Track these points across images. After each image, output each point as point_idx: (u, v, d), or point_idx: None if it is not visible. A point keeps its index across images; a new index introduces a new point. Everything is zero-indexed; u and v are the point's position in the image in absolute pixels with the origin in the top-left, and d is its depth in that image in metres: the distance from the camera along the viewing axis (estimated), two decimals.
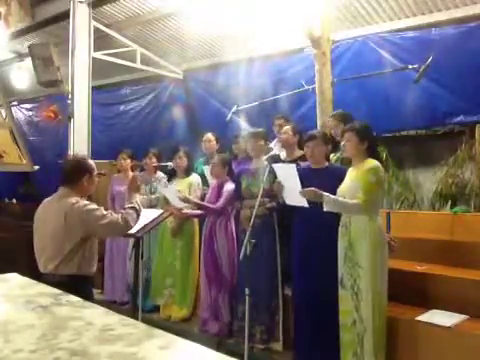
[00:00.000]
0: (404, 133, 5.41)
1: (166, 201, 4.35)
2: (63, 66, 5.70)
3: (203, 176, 4.47)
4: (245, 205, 3.73)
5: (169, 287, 4.40)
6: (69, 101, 5.72)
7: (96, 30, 5.96)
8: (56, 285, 1.70)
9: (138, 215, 2.70)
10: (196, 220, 4.44)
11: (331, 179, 3.12)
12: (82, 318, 1.30)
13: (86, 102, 5.77)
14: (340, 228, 3.03)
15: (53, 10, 6.25)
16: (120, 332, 1.17)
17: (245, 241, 2.98)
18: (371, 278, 2.83)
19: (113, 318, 1.29)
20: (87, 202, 2.56)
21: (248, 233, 2.99)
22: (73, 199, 2.52)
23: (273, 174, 3.28)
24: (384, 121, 4.87)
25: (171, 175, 4.62)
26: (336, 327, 3.03)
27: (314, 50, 4.52)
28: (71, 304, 1.46)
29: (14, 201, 8.63)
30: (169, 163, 4.61)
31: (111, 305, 4.56)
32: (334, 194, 2.98)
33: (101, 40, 6.13)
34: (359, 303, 2.87)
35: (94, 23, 5.92)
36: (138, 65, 6.54)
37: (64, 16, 6.00)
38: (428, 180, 5.35)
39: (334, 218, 3.03)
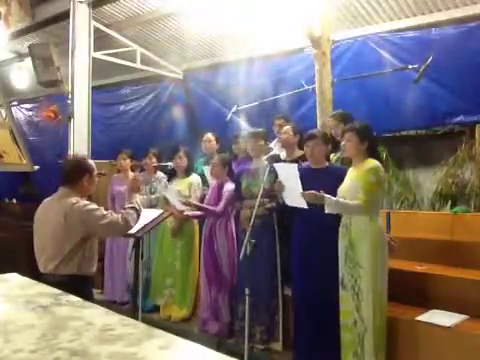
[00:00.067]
0: (404, 133, 5.41)
1: (166, 201, 4.35)
2: (63, 66, 5.70)
3: (203, 176, 4.46)
4: (245, 205, 3.72)
5: (169, 287, 4.40)
6: (69, 101, 5.72)
7: (96, 30, 5.95)
8: (56, 285, 1.70)
9: (138, 215, 2.71)
10: (196, 220, 4.44)
11: (331, 179, 3.11)
12: (82, 318, 1.30)
13: (86, 102, 5.77)
14: (340, 228, 3.03)
15: (53, 10, 6.25)
16: (120, 332, 1.17)
17: (245, 241, 2.98)
18: (372, 278, 2.83)
19: (113, 318, 1.29)
20: (87, 202, 2.56)
21: (248, 233, 2.99)
22: (73, 199, 2.52)
23: (274, 174, 3.28)
24: (384, 121, 4.87)
25: (171, 175, 4.62)
26: (336, 327, 3.03)
27: (314, 50, 4.52)
28: (71, 304, 1.46)
29: (14, 201, 8.63)
30: (169, 163, 4.61)
31: (111, 305, 4.56)
32: (334, 194, 2.98)
33: (101, 40, 6.12)
34: (360, 303, 2.87)
35: (94, 23, 5.92)
36: (138, 65, 6.54)
37: (64, 16, 6.00)
38: (428, 180, 5.34)
39: (334, 219, 3.03)
